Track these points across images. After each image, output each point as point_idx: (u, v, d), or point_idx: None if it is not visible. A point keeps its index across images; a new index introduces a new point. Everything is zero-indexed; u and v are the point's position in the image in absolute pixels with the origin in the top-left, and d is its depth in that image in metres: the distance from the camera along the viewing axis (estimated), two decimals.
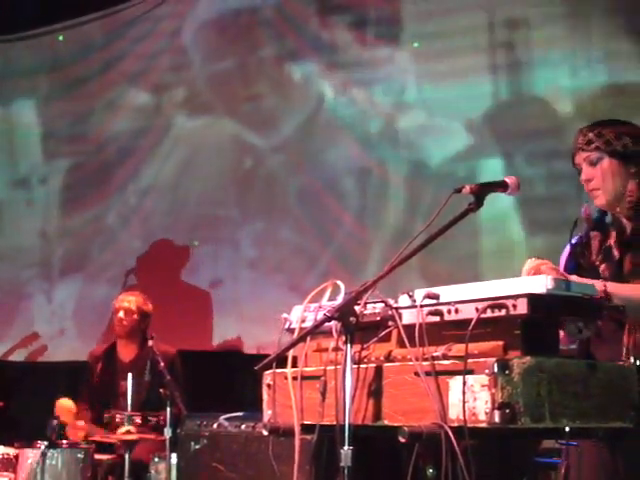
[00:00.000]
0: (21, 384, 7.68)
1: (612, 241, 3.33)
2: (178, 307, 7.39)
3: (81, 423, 5.90)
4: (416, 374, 2.55)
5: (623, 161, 3.32)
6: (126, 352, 6.26)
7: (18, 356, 7.98)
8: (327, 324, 2.72)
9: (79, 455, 5.39)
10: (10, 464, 5.44)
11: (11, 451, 5.47)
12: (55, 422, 5.48)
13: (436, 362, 2.53)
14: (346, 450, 2.59)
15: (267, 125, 7.29)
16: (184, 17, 7.69)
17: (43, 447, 5.32)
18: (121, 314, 6.18)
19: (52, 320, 7.88)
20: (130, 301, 6.22)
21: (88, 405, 6.20)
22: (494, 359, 2.41)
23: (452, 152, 6.57)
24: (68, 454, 5.39)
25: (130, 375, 5.60)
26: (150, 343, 5.55)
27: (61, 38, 7.94)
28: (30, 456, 5.34)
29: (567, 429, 2.53)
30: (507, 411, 2.36)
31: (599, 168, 3.32)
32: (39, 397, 7.43)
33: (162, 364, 5.47)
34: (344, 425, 2.60)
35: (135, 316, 6.18)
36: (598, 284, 2.98)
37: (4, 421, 6.15)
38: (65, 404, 5.95)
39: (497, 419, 2.37)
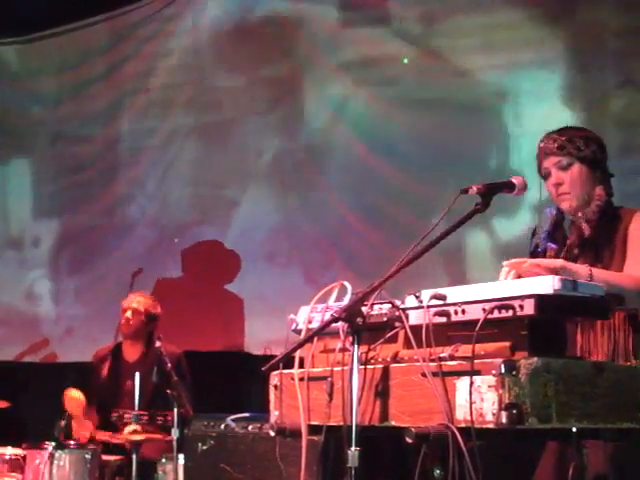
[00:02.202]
0: (29, 385, 7.69)
1: (567, 247, 3.39)
2: (188, 307, 7.39)
3: (88, 423, 5.90)
4: (423, 375, 2.55)
5: (591, 167, 3.44)
6: (131, 352, 6.27)
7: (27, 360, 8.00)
8: (334, 325, 2.72)
9: (87, 456, 5.40)
10: (18, 465, 5.45)
11: (19, 452, 5.48)
12: (63, 422, 5.49)
13: (443, 363, 2.53)
14: (353, 451, 2.59)
15: (284, 128, 7.27)
16: (193, 17, 7.69)
17: (51, 448, 5.33)
18: (128, 314, 6.19)
19: (60, 321, 7.88)
20: (139, 302, 6.23)
21: (95, 406, 6.20)
22: (501, 360, 2.41)
23: None
24: (76, 455, 5.39)
25: (138, 375, 5.60)
26: (157, 344, 5.55)
27: None
28: (38, 457, 5.35)
29: (574, 430, 2.53)
30: (514, 412, 2.36)
31: (569, 173, 3.43)
32: (47, 398, 7.45)
33: (169, 365, 5.47)
34: (351, 426, 2.60)
35: (142, 317, 6.19)
36: (584, 268, 3.11)
37: (12, 422, 6.16)
38: (74, 395, 5.95)
39: (504, 420, 2.37)
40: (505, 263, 3.13)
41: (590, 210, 3.42)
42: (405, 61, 6.76)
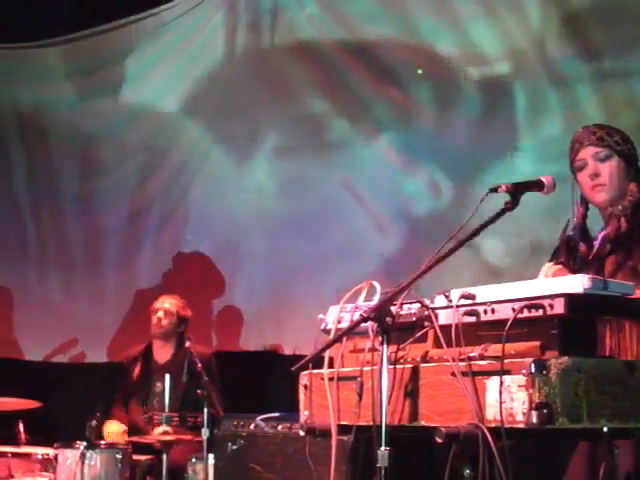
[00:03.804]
0: (60, 385, 7.74)
1: (601, 240, 3.36)
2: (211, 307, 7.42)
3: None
4: (453, 375, 2.55)
5: (627, 163, 3.43)
6: (162, 353, 6.29)
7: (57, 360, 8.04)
8: (363, 325, 2.72)
9: (117, 455, 5.43)
10: (50, 464, 5.49)
11: (50, 452, 5.52)
12: (94, 422, 5.52)
13: (473, 362, 2.53)
14: (383, 451, 2.59)
15: (310, 135, 7.27)
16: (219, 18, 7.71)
17: (82, 447, 5.36)
18: (160, 314, 6.22)
19: (90, 321, 7.92)
20: (171, 303, 6.26)
21: (124, 407, 6.23)
22: (531, 359, 2.40)
23: None
24: (107, 454, 5.43)
25: (168, 376, 5.62)
26: (187, 344, 5.57)
27: None
28: (69, 456, 5.38)
29: (605, 429, 2.52)
30: (544, 411, 2.35)
31: (607, 165, 3.41)
32: (78, 398, 7.50)
33: (199, 365, 5.49)
34: (381, 426, 2.60)
35: (174, 319, 6.22)
36: None
37: (43, 422, 6.20)
38: (114, 429, 5.98)
39: (534, 419, 2.36)
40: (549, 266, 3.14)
41: (623, 205, 3.39)
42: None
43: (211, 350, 6.20)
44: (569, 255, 3.45)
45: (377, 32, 6.86)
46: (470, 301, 2.61)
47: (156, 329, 6.24)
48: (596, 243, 3.43)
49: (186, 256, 7.68)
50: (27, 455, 5.57)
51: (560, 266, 3.19)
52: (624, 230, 3.38)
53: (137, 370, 6.27)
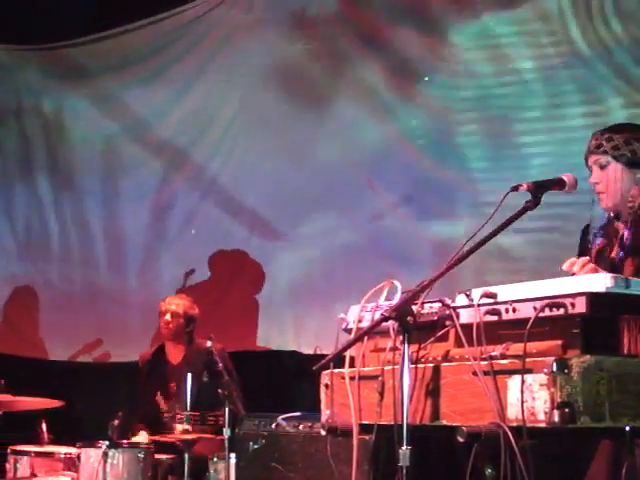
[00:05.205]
0: (83, 385, 7.78)
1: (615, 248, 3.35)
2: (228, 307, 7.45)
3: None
4: (474, 374, 2.55)
5: (629, 166, 3.39)
6: (174, 354, 6.32)
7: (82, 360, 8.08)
8: (384, 324, 2.73)
9: (140, 455, 5.44)
10: (73, 463, 5.51)
11: (73, 451, 5.54)
12: (116, 422, 5.53)
13: (494, 361, 2.53)
14: (404, 450, 2.59)
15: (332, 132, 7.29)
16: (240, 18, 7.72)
17: (104, 447, 5.38)
18: (168, 317, 6.24)
19: (115, 321, 7.94)
20: (177, 304, 6.27)
21: (144, 409, 6.25)
22: (553, 358, 2.39)
23: None
24: (129, 454, 5.44)
25: (190, 375, 5.63)
26: (209, 343, 5.57)
27: None
28: (92, 455, 5.40)
29: (627, 429, 2.51)
30: (566, 410, 2.35)
31: (606, 172, 3.38)
32: (101, 397, 7.53)
33: (220, 365, 5.49)
34: (402, 425, 2.60)
35: (181, 319, 6.24)
36: None
37: (67, 421, 6.23)
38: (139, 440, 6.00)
39: (556, 419, 2.35)
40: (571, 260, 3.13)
41: (625, 211, 3.39)
42: None
43: (222, 347, 6.16)
44: (590, 254, 3.44)
45: None
46: (491, 300, 2.61)
47: (165, 331, 6.28)
48: (616, 243, 3.42)
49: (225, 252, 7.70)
50: (50, 454, 5.59)
51: (593, 265, 3.15)
52: (626, 239, 3.36)
53: (152, 372, 6.31)
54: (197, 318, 6.31)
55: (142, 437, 5.98)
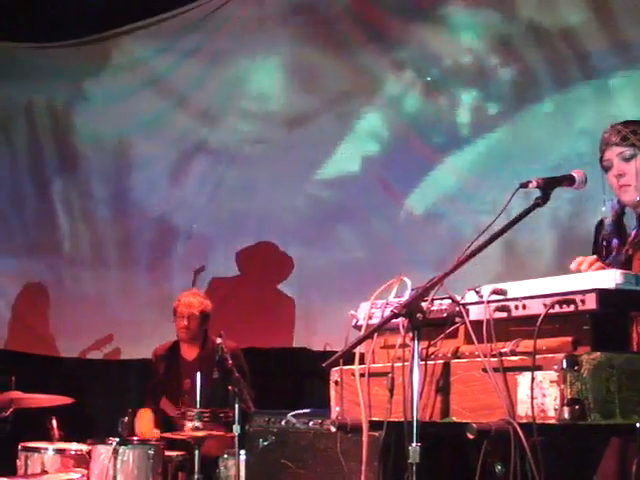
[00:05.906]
0: (94, 382, 7.79)
1: (632, 239, 3.34)
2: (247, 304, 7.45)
3: (156, 432, 5.96)
4: (484, 370, 2.54)
5: None
6: (189, 351, 6.33)
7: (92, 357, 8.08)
8: (394, 321, 2.72)
9: (150, 451, 5.46)
10: (83, 460, 5.52)
11: (84, 447, 5.56)
12: (126, 419, 5.55)
13: (504, 358, 2.52)
14: (414, 446, 2.59)
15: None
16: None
17: (115, 443, 5.39)
18: (185, 322, 6.23)
19: (125, 318, 7.95)
20: (192, 304, 6.25)
21: (153, 405, 6.26)
22: (563, 355, 2.39)
23: None
24: (139, 450, 5.45)
25: (199, 373, 5.64)
26: (219, 340, 5.57)
27: None
28: (102, 452, 5.41)
29: (638, 425, 2.50)
30: (576, 407, 2.35)
31: (633, 164, 3.35)
32: (112, 394, 7.55)
33: (231, 362, 5.50)
34: (412, 421, 2.60)
35: (198, 321, 6.25)
36: None
37: (77, 418, 6.24)
38: (146, 421, 6.01)
39: (566, 415, 2.35)
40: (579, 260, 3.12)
41: None
42: None
43: (236, 344, 6.16)
44: (602, 251, 3.43)
45: None
46: (501, 297, 2.61)
47: (183, 335, 6.28)
48: (630, 240, 3.40)
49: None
50: (61, 451, 5.61)
51: (601, 264, 3.15)
52: None
53: (165, 367, 6.31)
54: (211, 312, 6.32)
55: (147, 418, 5.98)
